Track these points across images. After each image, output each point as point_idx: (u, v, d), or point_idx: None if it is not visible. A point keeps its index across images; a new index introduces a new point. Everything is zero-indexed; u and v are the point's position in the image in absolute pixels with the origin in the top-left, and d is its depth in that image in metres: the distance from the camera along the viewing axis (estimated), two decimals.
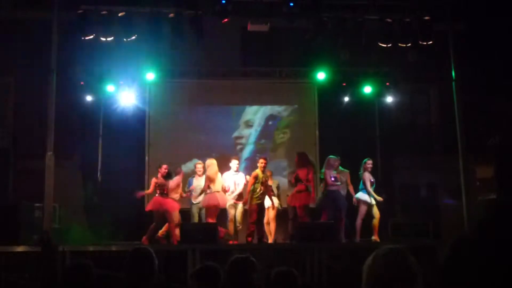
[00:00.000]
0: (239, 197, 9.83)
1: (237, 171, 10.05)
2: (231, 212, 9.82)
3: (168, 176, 9.65)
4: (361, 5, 9.73)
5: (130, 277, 3.40)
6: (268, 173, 9.89)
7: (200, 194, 9.78)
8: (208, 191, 9.55)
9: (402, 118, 13.09)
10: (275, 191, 10.20)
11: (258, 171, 9.62)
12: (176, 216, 9.66)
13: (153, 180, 9.59)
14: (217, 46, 11.64)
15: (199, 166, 10.14)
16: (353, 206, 9.87)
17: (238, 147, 12.39)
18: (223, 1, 9.10)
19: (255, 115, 12.60)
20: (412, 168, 11.59)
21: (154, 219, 9.54)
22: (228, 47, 12.20)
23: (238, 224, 9.82)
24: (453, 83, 9.57)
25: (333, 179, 9.50)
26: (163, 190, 9.48)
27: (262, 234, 9.56)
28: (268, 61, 12.36)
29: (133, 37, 9.09)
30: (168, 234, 9.72)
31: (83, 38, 9.12)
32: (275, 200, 9.97)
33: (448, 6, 9.82)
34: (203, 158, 10.32)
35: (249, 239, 9.44)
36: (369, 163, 9.94)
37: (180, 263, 7.95)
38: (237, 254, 3.47)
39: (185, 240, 8.63)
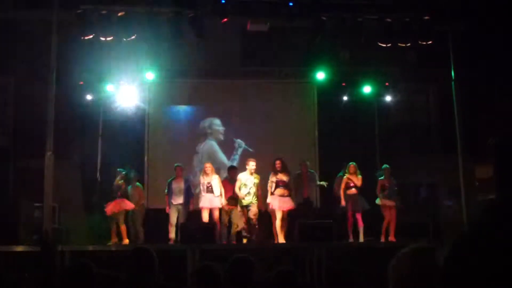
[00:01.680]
0: (232, 201, 9.81)
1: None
2: (225, 215, 9.83)
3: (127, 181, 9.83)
4: (361, 4, 9.73)
5: (130, 277, 3.41)
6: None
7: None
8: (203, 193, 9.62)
9: (402, 117, 13.07)
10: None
11: (244, 173, 9.60)
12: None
13: None
14: (217, 46, 11.62)
15: (178, 169, 10.09)
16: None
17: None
18: (223, 1, 9.10)
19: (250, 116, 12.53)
20: (411, 168, 11.57)
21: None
22: (228, 47, 12.17)
23: (235, 226, 9.81)
24: (453, 83, 9.57)
25: (355, 183, 9.69)
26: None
27: (251, 233, 9.55)
28: (268, 61, 12.33)
29: (133, 37, 9.10)
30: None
31: (83, 37, 9.13)
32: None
33: (448, 6, 9.82)
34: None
35: (245, 240, 9.49)
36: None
37: (180, 263, 7.96)
38: (237, 254, 3.47)
39: (185, 240, 8.64)
